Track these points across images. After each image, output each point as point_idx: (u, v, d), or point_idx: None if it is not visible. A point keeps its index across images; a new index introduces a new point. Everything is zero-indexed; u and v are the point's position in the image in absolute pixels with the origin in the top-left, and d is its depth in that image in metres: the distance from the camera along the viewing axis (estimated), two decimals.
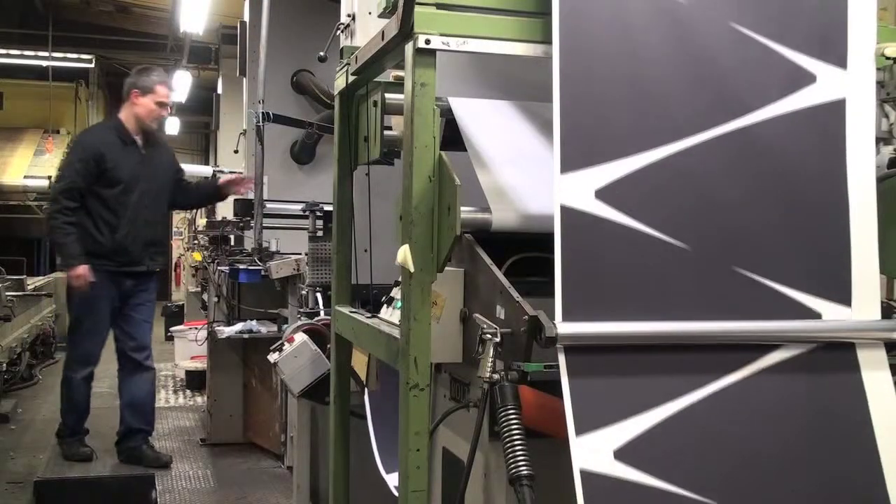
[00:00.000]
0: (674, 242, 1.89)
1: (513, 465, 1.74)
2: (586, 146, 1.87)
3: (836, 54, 2.03)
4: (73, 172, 4.98)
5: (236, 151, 6.73)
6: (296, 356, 3.55)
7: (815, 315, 1.95)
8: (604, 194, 1.86)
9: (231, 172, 5.41)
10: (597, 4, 1.93)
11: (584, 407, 1.75)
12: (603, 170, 1.87)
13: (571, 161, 1.86)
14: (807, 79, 2.02)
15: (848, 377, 1.95)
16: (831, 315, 1.96)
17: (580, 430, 1.73)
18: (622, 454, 1.76)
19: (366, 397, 2.98)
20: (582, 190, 1.85)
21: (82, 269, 4.87)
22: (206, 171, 5.64)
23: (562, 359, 1.77)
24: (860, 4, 2.05)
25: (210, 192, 5.66)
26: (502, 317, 1.95)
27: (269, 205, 5.40)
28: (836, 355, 1.96)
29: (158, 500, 4.68)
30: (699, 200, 1.92)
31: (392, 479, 2.74)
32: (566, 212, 1.83)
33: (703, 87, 1.96)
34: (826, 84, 2.02)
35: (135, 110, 5.08)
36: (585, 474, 1.72)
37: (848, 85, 2.03)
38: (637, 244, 1.87)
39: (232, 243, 6.14)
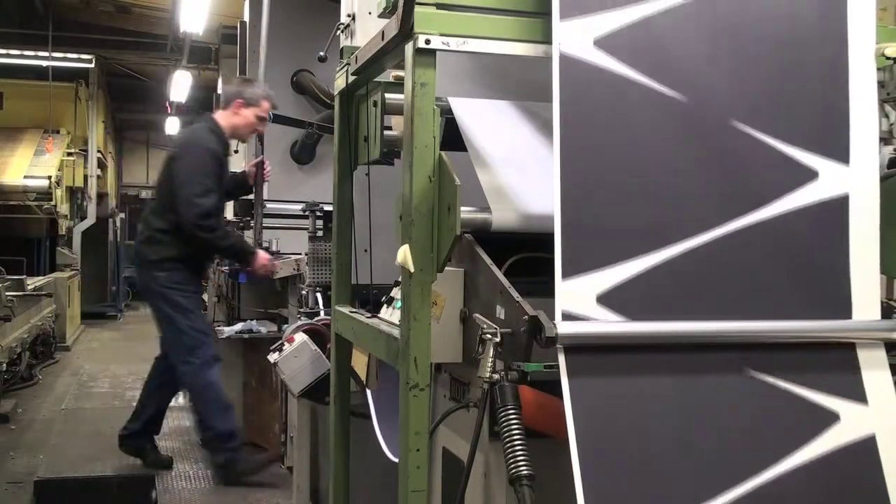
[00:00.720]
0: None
1: (513, 465, 1.74)
2: (586, 251, 1.86)
3: (839, 150, 2.02)
4: (211, 182, 4.68)
5: (236, 151, 6.71)
6: (296, 356, 3.56)
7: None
8: (605, 300, 1.85)
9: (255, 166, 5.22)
10: (598, 103, 1.91)
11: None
12: (604, 275, 1.86)
13: (572, 266, 1.84)
14: (809, 175, 2.00)
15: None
16: None
17: None
18: None
19: (367, 391, 2.98)
20: (583, 296, 1.84)
21: (264, 256, 4.78)
22: None
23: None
24: (862, 100, 2.03)
25: (239, 186, 5.29)
26: (502, 317, 1.95)
27: (269, 205, 5.38)
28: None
29: (158, 500, 4.68)
30: (699, 302, 1.91)
31: None
32: (567, 318, 1.82)
33: (704, 187, 1.94)
34: (828, 180, 2.01)
35: (234, 120, 4.89)
36: None
37: (851, 181, 2.01)
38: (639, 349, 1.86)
39: None
